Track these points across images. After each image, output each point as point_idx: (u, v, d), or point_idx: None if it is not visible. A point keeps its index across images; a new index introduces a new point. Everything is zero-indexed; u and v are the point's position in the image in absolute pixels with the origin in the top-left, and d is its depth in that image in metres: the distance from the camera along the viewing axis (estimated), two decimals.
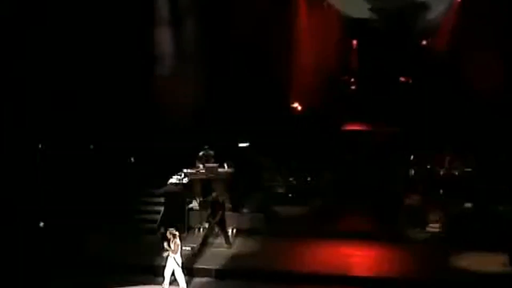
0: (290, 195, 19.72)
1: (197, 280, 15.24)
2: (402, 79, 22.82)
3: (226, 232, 17.22)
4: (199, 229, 17.93)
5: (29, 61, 18.13)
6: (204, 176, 18.78)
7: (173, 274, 14.19)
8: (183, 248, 14.89)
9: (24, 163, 17.72)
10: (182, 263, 14.28)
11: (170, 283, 14.24)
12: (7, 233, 16.12)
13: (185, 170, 18.95)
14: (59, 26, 18.72)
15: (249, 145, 20.89)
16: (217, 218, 17.10)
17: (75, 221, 17.24)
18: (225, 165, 18.78)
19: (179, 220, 17.28)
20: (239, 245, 17.19)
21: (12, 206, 16.86)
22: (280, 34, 21.37)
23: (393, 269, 15.54)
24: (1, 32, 17.49)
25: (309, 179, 20.16)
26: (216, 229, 17.28)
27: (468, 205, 18.09)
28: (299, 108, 23.06)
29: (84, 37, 19.18)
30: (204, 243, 16.99)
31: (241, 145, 20.88)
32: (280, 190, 19.87)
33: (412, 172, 19.53)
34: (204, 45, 21.04)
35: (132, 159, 20.47)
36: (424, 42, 22.68)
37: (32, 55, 18.21)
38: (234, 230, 17.76)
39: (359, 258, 16.34)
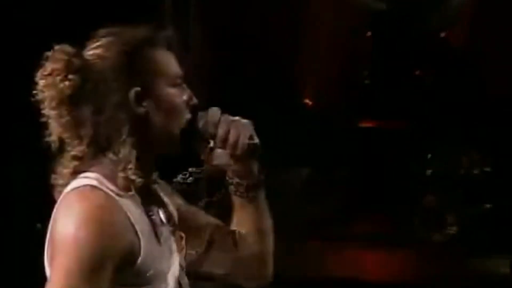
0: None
1: (201, 284, 14.89)
2: (419, 73, 22.64)
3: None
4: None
5: (29, 57, 17.91)
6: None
7: None
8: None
9: (22, 162, 17.58)
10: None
11: None
12: (5, 233, 15.94)
13: (190, 169, 18.66)
14: (59, 21, 18.62)
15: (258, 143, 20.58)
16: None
17: None
18: None
19: None
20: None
21: (10, 206, 16.77)
22: (291, 27, 21.16)
23: (407, 273, 15.18)
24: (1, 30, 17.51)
25: (320, 178, 20.01)
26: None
27: (488, 206, 18.00)
28: (311, 104, 22.86)
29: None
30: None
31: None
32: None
33: (430, 171, 19.50)
34: (211, 39, 20.92)
35: None
36: (442, 34, 22.46)
37: (33, 50, 18.00)
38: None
39: (372, 261, 16.13)
